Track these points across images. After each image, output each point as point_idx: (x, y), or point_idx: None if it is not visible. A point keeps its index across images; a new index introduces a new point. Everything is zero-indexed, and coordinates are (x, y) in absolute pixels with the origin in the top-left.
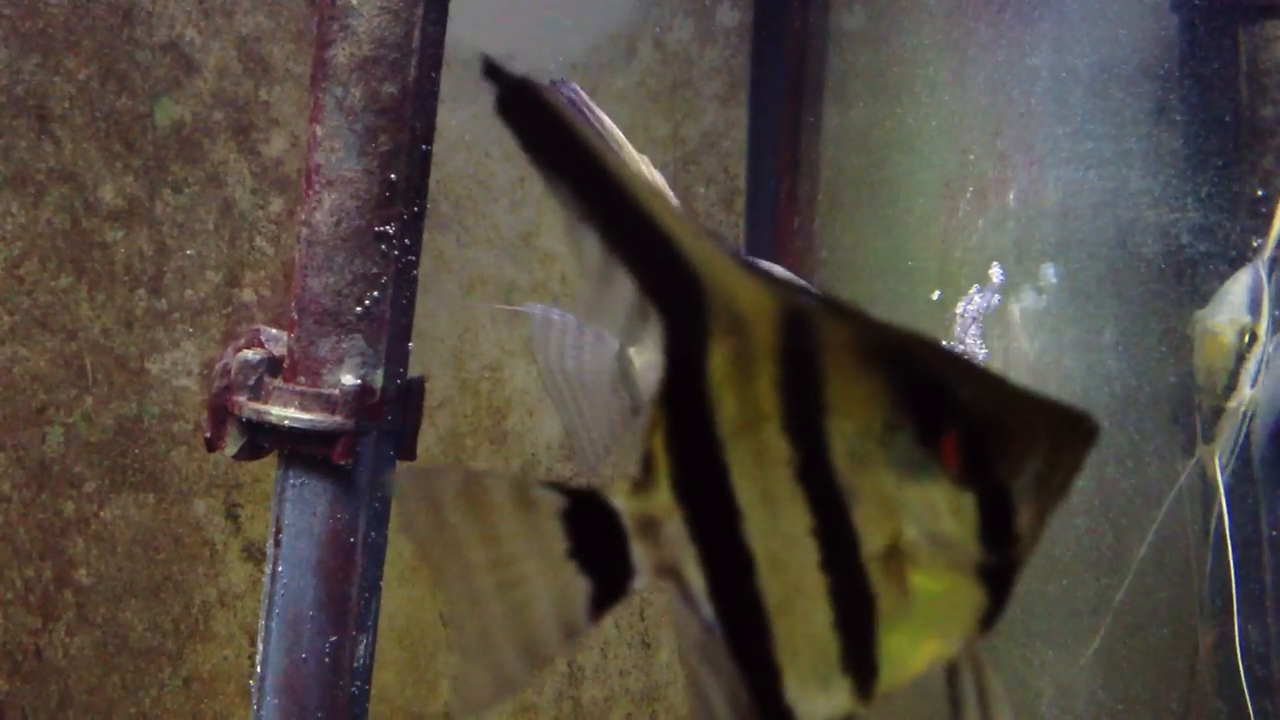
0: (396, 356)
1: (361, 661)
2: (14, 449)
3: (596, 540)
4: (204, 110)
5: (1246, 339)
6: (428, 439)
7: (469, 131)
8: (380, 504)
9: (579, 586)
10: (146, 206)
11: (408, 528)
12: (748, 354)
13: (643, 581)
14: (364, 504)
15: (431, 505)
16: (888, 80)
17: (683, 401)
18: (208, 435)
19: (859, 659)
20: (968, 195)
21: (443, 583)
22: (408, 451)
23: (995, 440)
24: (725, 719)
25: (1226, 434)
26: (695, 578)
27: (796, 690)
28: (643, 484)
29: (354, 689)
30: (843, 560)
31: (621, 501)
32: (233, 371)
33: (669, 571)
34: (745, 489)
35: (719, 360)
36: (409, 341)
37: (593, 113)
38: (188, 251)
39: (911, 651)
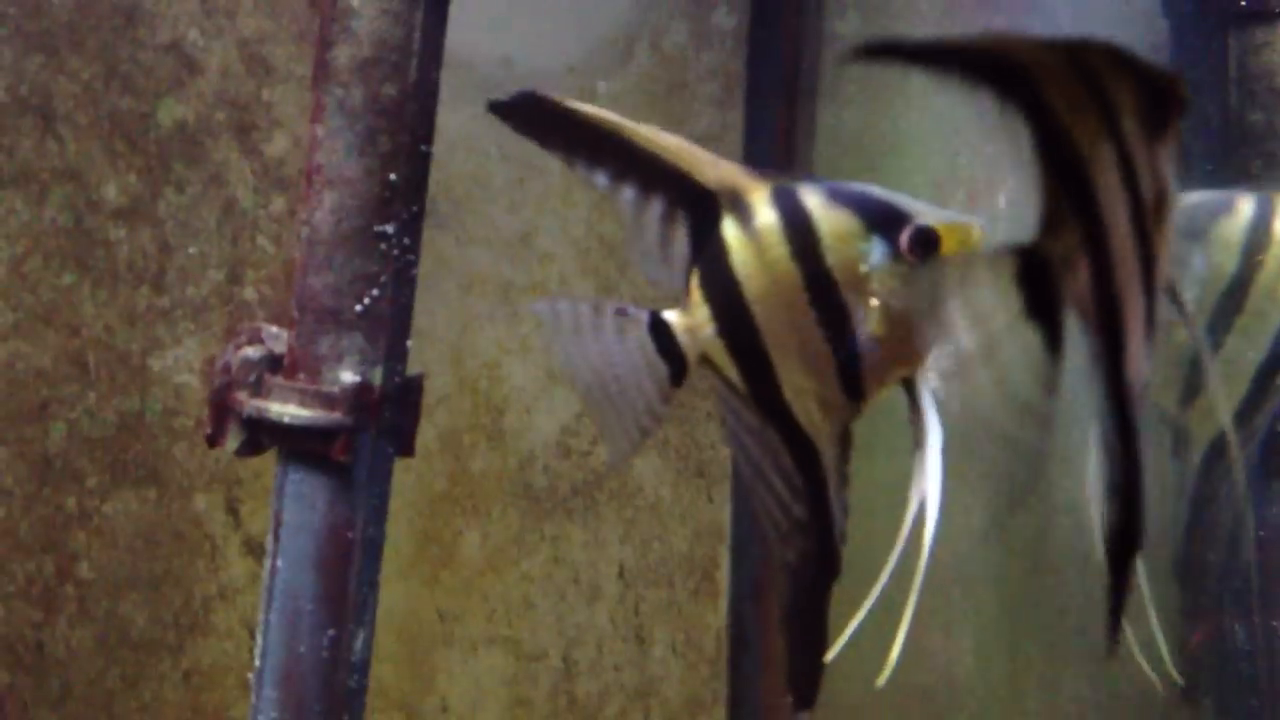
0: (395, 354)
1: (359, 655)
2: (17, 444)
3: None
4: (206, 110)
5: None
6: (426, 436)
7: (469, 133)
8: (378, 500)
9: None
10: (149, 205)
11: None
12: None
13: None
14: (362, 500)
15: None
16: (880, 83)
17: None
18: (209, 431)
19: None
20: (958, 198)
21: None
22: (406, 448)
23: None
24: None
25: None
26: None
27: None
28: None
29: (352, 682)
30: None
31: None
32: (234, 368)
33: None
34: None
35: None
36: (408, 339)
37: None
38: (190, 250)
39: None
